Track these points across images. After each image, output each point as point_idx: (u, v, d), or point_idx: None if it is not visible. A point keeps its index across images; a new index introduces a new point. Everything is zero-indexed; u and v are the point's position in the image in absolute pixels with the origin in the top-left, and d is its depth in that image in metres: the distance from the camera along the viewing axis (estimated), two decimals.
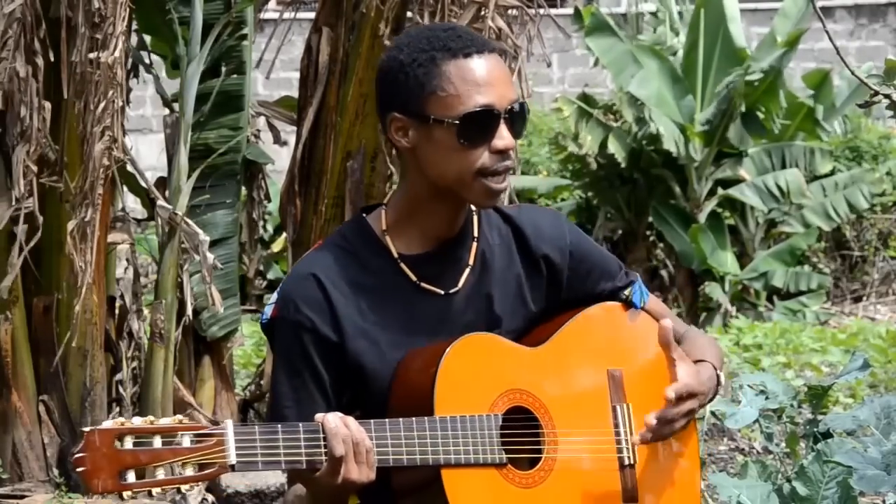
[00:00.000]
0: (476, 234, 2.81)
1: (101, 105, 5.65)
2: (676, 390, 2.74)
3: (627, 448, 2.80)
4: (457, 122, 2.65)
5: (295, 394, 2.71)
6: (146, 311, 6.47)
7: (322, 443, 2.54)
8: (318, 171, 6.38)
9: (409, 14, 6.16)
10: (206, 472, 2.46)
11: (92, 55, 5.61)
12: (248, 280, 10.76)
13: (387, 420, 2.62)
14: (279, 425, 2.55)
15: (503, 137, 2.68)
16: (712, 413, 4.24)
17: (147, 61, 6.72)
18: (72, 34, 5.69)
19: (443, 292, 2.76)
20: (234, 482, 6.03)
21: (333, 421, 2.55)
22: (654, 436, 2.75)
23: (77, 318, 5.79)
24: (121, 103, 5.75)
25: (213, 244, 6.25)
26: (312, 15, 6.72)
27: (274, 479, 6.00)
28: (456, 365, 2.66)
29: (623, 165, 12.14)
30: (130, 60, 6.29)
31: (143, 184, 6.40)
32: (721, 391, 2.95)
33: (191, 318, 6.19)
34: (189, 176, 6.23)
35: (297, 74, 6.72)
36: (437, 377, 2.64)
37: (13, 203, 5.69)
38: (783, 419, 4.17)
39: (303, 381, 2.71)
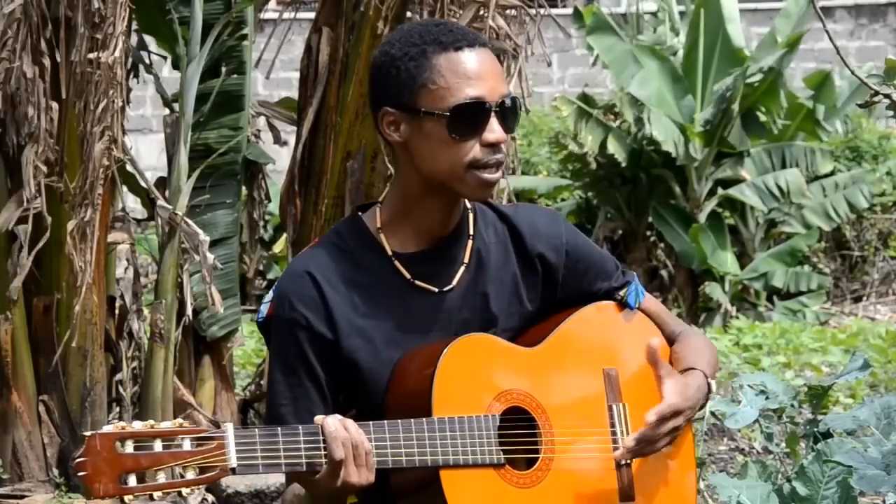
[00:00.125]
0: (472, 231, 2.81)
1: (101, 105, 5.65)
2: (658, 412, 2.73)
3: None
4: (447, 114, 2.65)
5: (291, 392, 2.72)
6: (146, 311, 6.47)
7: (322, 445, 2.54)
8: (318, 171, 6.37)
9: (408, 14, 6.16)
10: (206, 475, 2.46)
11: (92, 55, 5.61)
12: (248, 280, 10.77)
13: (386, 422, 2.62)
14: (279, 428, 2.55)
15: (494, 131, 2.68)
16: (712, 413, 4.24)
17: (147, 61, 6.72)
18: (71, 34, 5.69)
19: (437, 290, 2.77)
20: (234, 482, 6.03)
21: (333, 424, 2.55)
22: (633, 455, 2.75)
23: (77, 318, 5.80)
24: (121, 103, 5.75)
25: (214, 244, 6.25)
26: (312, 15, 6.71)
27: (274, 479, 6.01)
28: (453, 366, 2.66)
29: (623, 165, 12.14)
30: (130, 60, 6.29)
31: (143, 184, 6.40)
32: (713, 397, 2.94)
33: (191, 318, 6.18)
34: (189, 176, 6.23)
35: (297, 74, 6.72)
36: (434, 378, 2.64)
37: (23, 203, 5.69)
38: (783, 419, 4.17)
39: (299, 378, 2.72)
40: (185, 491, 2.48)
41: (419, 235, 2.77)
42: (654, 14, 13.57)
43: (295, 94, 6.77)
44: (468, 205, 2.82)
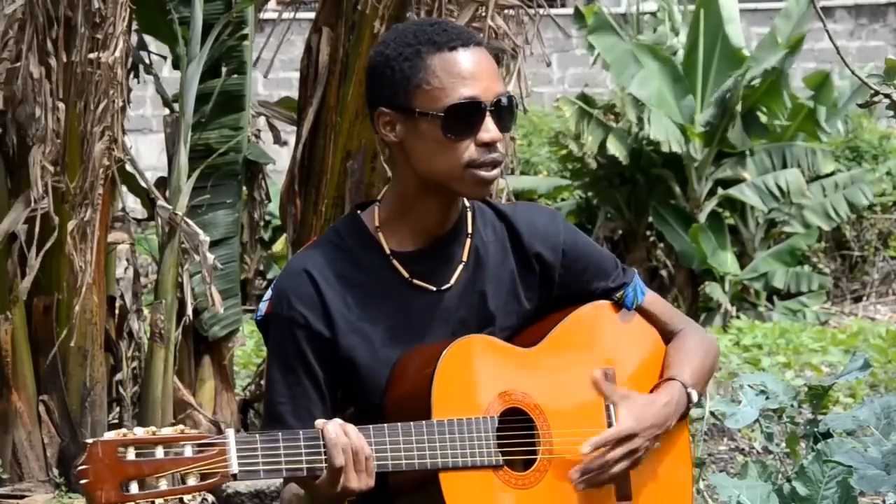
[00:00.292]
0: (470, 230, 2.81)
1: (102, 105, 5.65)
2: (593, 442, 2.71)
3: None
4: (441, 114, 2.65)
5: (289, 390, 2.72)
6: (146, 311, 6.47)
7: (322, 451, 2.55)
8: (318, 171, 6.37)
9: (407, 14, 6.15)
10: (207, 481, 2.47)
11: (92, 55, 5.61)
12: (248, 280, 10.77)
13: (385, 425, 2.63)
14: (280, 434, 2.56)
15: (489, 130, 2.68)
16: (712, 413, 4.24)
17: (147, 61, 6.72)
18: (72, 34, 5.69)
19: (435, 289, 2.77)
20: (234, 482, 6.02)
21: (334, 430, 2.55)
22: (587, 485, 2.73)
23: (77, 318, 5.80)
24: (121, 103, 5.75)
25: (214, 244, 6.25)
26: (312, 15, 6.71)
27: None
28: (452, 367, 2.67)
29: (623, 165, 12.14)
30: (130, 60, 6.29)
31: (143, 184, 6.40)
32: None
33: (191, 318, 6.18)
34: (189, 176, 6.23)
35: (297, 74, 6.71)
36: (433, 380, 2.65)
37: (30, 204, 5.68)
38: (783, 419, 4.17)
39: (297, 377, 2.72)
40: (186, 498, 2.49)
41: (417, 234, 2.77)
42: (654, 14, 13.57)
43: (295, 94, 6.77)
44: (467, 203, 2.82)
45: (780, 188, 11.74)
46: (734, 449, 6.74)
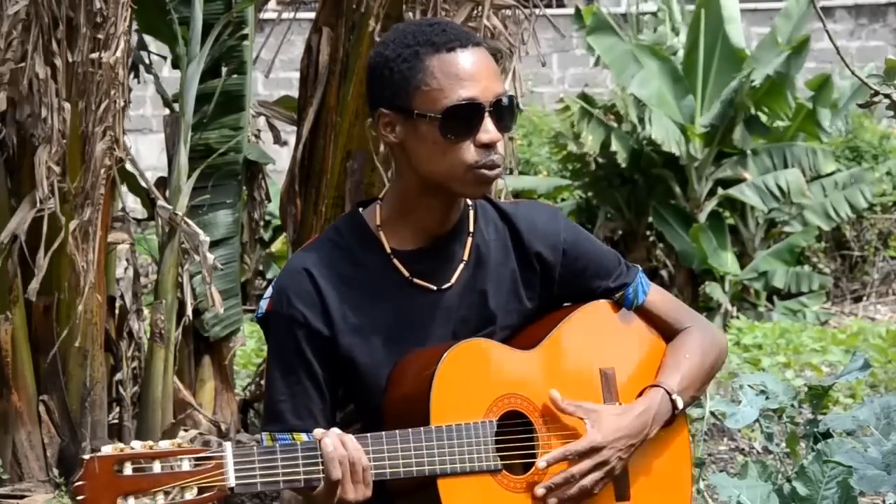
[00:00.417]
0: (472, 229, 2.81)
1: (104, 105, 5.66)
2: (548, 458, 2.70)
3: None
4: (439, 116, 2.65)
5: (289, 388, 2.73)
6: (146, 311, 6.47)
7: (320, 462, 2.56)
8: (318, 171, 6.37)
9: (404, 13, 6.14)
10: (205, 495, 2.48)
11: (94, 55, 5.61)
12: (248, 280, 10.76)
13: (384, 433, 2.63)
14: (278, 445, 2.58)
15: (488, 131, 2.67)
16: (712, 413, 4.24)
17: (147, 61, 6.72)
18: (73, 34, 5.69)
19: (435, 288, 2.77)
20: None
21: (331, 443, 2.56)
22: (558, 500, 2.71)
23: (80, 318, 5.80)
24: (122, 103, 5.75)
25: (214, 244, 6.25)
26: (312, 15, 6.71)
27: None
28: (451, 371, 2.67)
29: (624, 165, 12.14)
30: (131, 60, 6.29)
31: (143, 184, 6.40)
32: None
33: (191, 318, 6.18)
34: (189, 176, 6.23)
35: (297, 74, 6.71)
36: (432, 384, 2.65)
37: (36, 204, 5.68)
38: (783, 419, 4.17)
39: (297, 375, 2.73)
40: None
41: (418, 233, 2.77)
42: (654, 14, 13.57)
43: (295, 94, 6.77)
44: (469, 202, 2.82)
45: (780, 188, 11.74)
46: (734, 449, 6.74)
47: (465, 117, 2.66)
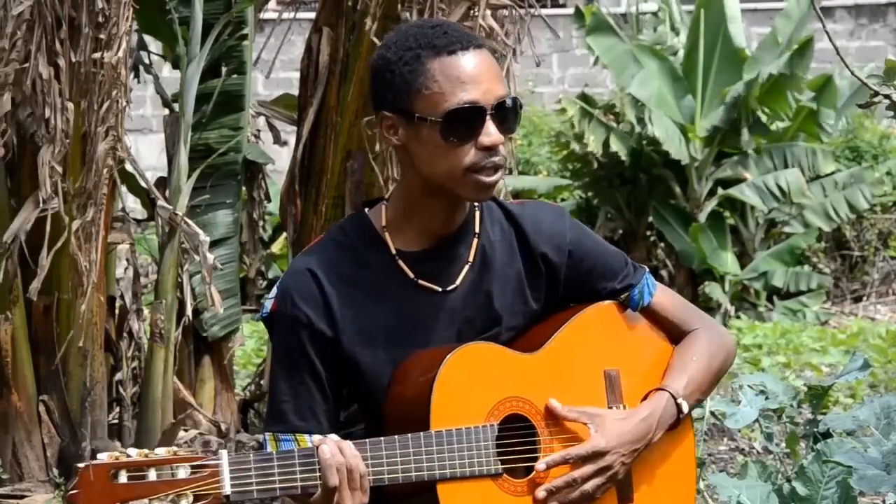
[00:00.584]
0: (477, 229, 2.80)
1: (105, 105, 5.66)
2: (548, 461, 2.70)
3: None
4: (440, 120, 2.64)
5: (293, 389, 2.73)
6: (146, 311, 6.47)
7: (317, 469, 2.56)
8: (318, 171, 6.37)
9: (399, 13, 6.14)
10: (200, 503, 2.47)
11: (96, 55, 5.62)
12: (248, 280, 10.76)
13: (382, 439, 2.62)
14: (274, 453, 2.58)
15: (490, 134, 2.66)
16: (712, 413, 4.24)
17: (147, 61, 6.71)
18: (75, 34, 5.69)
19: (440, 290, 2.76)
20: None
21: (329, 450, 2.56)
22: (558, 503, 2.71)
23: (83, 318, 5.80)
24: (124, 103, 5.76)
25: (214, 244, 6.25)
26: (312, 15, 6.71)
27: None
28: (453, 375, 2.66)
29: (624, 165, 12.14)
30: (132, 60, 6.29)
31: (143, 184, 6.40)
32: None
33: (191, 318, 6.18)
34: (189, 176, 6.23)
35: (297, 74, 6.72)
36: (433, 388, 2.64)
37: (39, 204, 5.68)
38: (783, 419, 4.17)
39: (300, 376, 2.72)
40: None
41: (423, 234, 2.76)
42: (654, 14, 13.57)
43: (295, 94, 6.77)
44: (475, 203, 2.81)
45: (780, 188, 11.73)
46: (734, 449, 6.74)
47: (466, 120, 2.65)
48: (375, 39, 5.93)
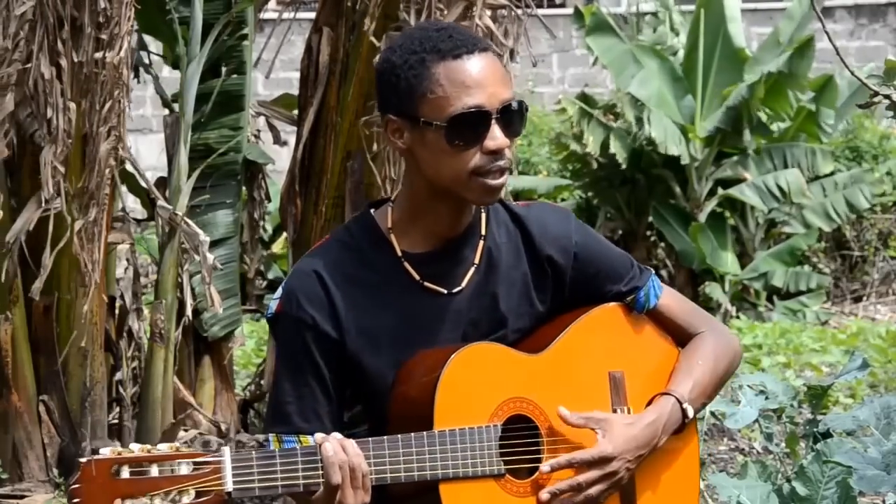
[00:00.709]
0: (483, 232, 2.80)
1: (107, 105, 5.66)
2: (553, 464, 2.69)
3: None
4: (445, 124, 2.63)
5: (296, 390, 2.72)
6: (146, 311, 6.47)
7: (320, 467, 2.55)
8: (318, 171, 6.38)
9: (398, 14, 6.14)
10: (202, 499, 2.47)
11: (98, 55, 5.62)
12: (248, 280, 10.77)
13: (385, 438, 2.62)
14: (277, 451, 2.57)
15: (495, 138, 2.66)
16: (712, 413, 4.24)
17: (147, 61, 6.72)
18: (77, 34, 5.69)
19: (446, 292, 2.75)
20: None
21: (332, 448, 2.55)
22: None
23: (83, 318, 5.80)
24: (126, 103, 5.76)
25: (214, 244, 6.25)
26: (312, 15, 6.72)
27: None
28: (457, 375, 2.66)
29: (624, 166, 12.15)
30: (133, 60, 6.29)
31: (143, 184, 6.40)
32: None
33: (190, 318, 6.18)
34: (189, 176, 6.23)
35: (297, 74, 6.72)
36: (437, 388, 2.64)
37: (42, 204, 5.68)
38: (783, 419, 4.17)
39: (304, 377, 2.72)
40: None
41: (429, 236, 2.76)
42: (654, 14, 13.57)
43: (295, 94, 6.77)
44: (481, 206, 2.80)
45: (780, 188, 11.74)
46: (734, 449, 6.74)
47: (471, 125, 2.64)
48: (374, 40, 5.93)
